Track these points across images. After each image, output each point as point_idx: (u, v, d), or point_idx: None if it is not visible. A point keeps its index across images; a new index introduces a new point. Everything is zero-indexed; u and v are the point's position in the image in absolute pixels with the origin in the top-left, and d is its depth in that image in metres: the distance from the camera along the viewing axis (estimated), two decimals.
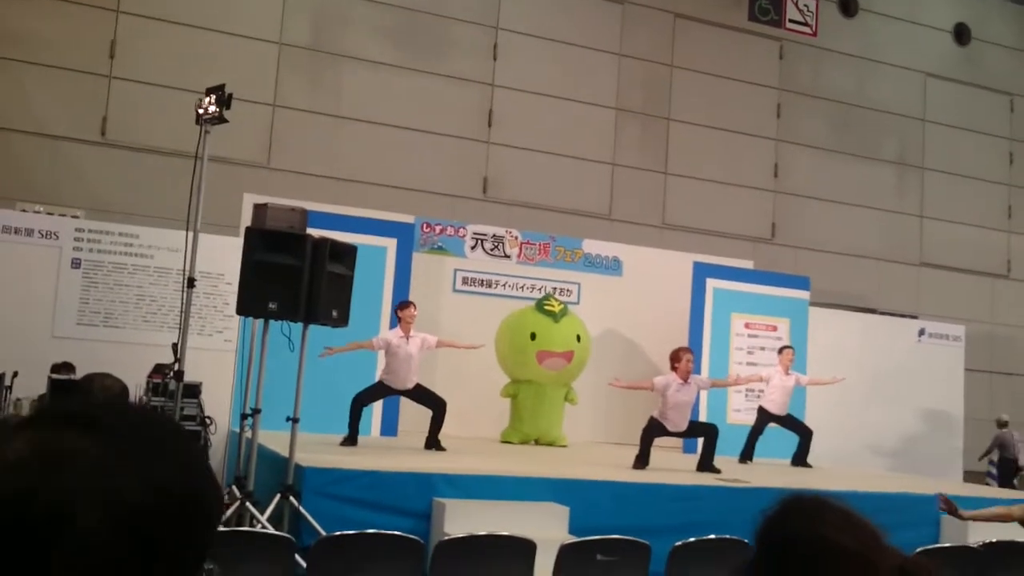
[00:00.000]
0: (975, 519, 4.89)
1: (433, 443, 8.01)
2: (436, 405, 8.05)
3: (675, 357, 8.21)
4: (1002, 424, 12.50)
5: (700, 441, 8.41)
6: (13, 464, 0.78)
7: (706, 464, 8.06)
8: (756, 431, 9.41)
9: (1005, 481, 12.11)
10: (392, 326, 9.37)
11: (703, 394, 10.02)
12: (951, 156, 14.55)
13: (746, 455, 9.31)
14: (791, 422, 9.43)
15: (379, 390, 8.17)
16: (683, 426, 8.17)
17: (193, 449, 0.89)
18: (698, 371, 9.29)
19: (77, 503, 0.77)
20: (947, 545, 5.90)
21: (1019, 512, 4.58)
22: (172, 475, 0.83)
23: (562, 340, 9.52)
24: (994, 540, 5.39)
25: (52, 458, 0.79)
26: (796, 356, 10.56)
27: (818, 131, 13.78)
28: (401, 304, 8.32)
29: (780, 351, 9.54)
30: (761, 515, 1.28)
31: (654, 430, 8.11)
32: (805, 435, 9.42)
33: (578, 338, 9.67)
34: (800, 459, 9.40)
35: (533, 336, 9.46)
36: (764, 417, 9.41)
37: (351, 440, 7.83)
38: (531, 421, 9.62)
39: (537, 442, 9.67)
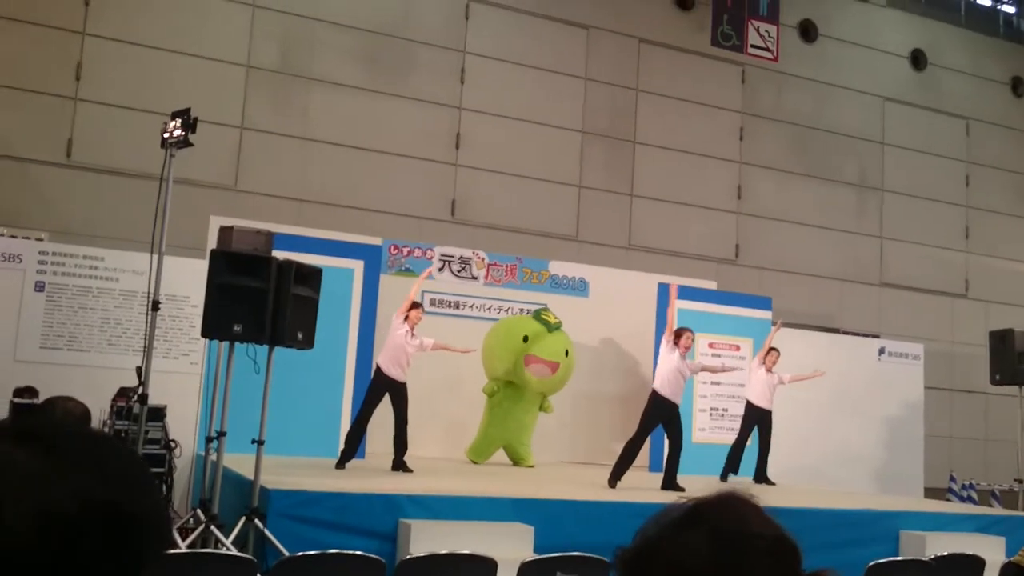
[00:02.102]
0: None
1: (399, 465, 8.05)
2: (402, 420, 8.10)
3: (678, 335, 8.41)
4: None
5: (664, 459, 8.52)
6: None
7: (670, 482, 8.17)
8: (744, 434, 9.62)
9: None
10: (361, 348, 9.43)
11: None
12: (909, 178, 14.88)
13: (730, 466, 9.52)
14: (766, 426, 9.63)
15: (376, 383, 8.13)
16: (679, 399, 8.36)
17: (138, 472, 0.90)
18: None
19: (5, 508, 0.79)
20: (902, 559, 6.04)
21: None
22: (109, 494, 0.84)
23: (552, 350, 9.70)
24: (946, 554, 5.52)
25: None
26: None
27: (780, 154, 14.04)
28: (414, 304, 8.38)
29: (767, 352, 9.78)
30: (691, 502, 1.18)
31: (655, 408, 8.23)
32: (764, 449, 9.64)
33: (566, 353, 9.85)
34: (761, 475, 9.56)
35: (525, 339, 9.63)
36: (751, 413, 9.64)
37: (342, 463, 7.99)
38: (502, 425, 9.71)
39: (505, 450, 9.72)
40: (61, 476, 0.83)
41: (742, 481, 9.36)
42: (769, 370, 9.70)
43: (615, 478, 8.01)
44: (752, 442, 9.79)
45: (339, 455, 8.11)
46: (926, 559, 5.48)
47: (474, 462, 9.72)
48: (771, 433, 9.66)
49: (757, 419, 9.67)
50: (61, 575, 0.81)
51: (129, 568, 0.86)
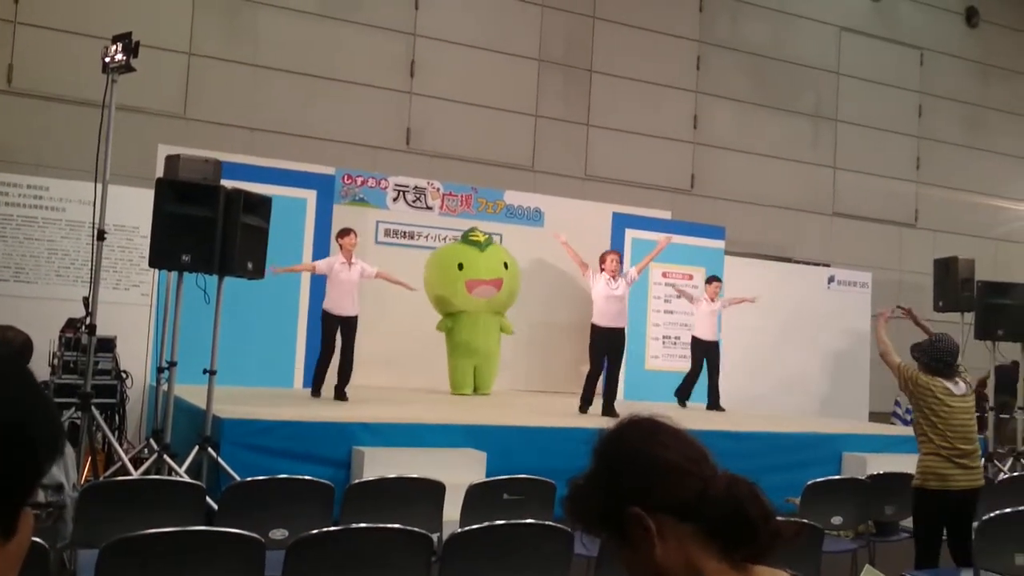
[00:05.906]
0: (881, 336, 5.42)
1: (340, 394, 8.17)
2: (347, 350, 8.21)
3: (601, 259, 8.57)
4: None
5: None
6: None
7: (608, 408, 8.32)
8: (695, 368, 9.84)
9: None
10: (315, 278, 9.37)
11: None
12: (863, 109, 14.96)
13: (683, 394, 9.80)
14: (715, 353, 9.82)
15: (326, 325, 8.25)
16: (621, 322, 8.51)
17: (30, 388, 0.90)
18: None
19: None
20: (839, 478, 6.27)
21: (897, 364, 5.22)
22: (8, 416, 0.85)
23: (489, 268, 9.72)
24: (882, 472, 5.74)
25: None
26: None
27: (737, 83, 14.02)
28: (342, 231, 8.42)
29: (708, 281, 9.98)
30: (600, 432, 1.41)
31: (596, 340, 8.42)
32: (714, 378, 9.82)
33: (505, 265, 9.88)
34: (713, 403, 9.76)
35: (460, 266, 9.63)
36: (698, 348, 9.81)
37: (315, 392, 8.21)
38: (470, 349, 9.73)
39: (477, 370, 9.76)
40: None
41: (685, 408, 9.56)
42: (712, 300, 9.86)
43: (584, 405, 8.40)
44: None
45: (311, 387, 8.32)
46: (863, 478, 5.69)
47: (462, 394, 9.71)
48: (719, 363, 9.86)
49: (704, 352, 9.83)
50: None
51: (28, 479, 0.89)
